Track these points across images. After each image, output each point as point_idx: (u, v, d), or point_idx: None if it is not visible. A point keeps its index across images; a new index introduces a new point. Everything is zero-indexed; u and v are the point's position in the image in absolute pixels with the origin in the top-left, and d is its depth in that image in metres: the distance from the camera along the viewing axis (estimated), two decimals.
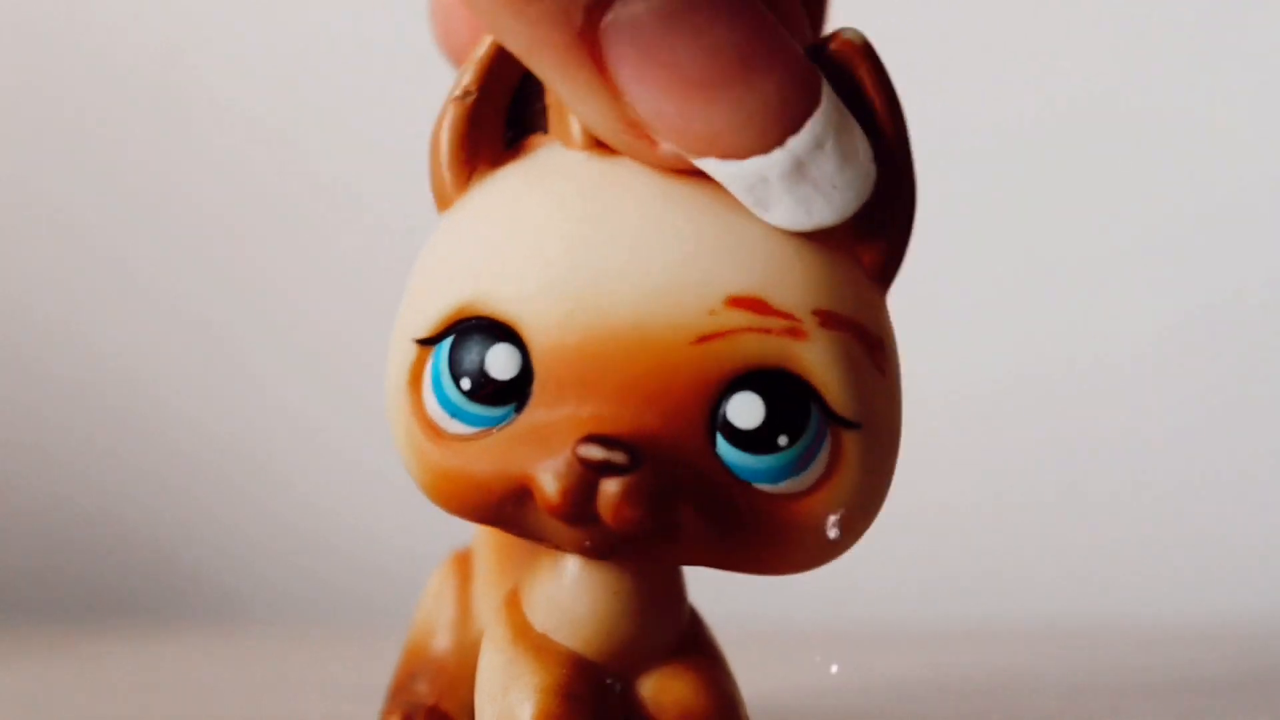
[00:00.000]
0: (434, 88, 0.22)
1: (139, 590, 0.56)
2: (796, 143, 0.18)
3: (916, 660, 0.41)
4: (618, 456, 0.17)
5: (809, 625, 0.48)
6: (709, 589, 0.25)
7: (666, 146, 0.18)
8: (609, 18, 0.18)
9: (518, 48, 0.18)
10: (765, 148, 0.18)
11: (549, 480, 0.18)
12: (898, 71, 0.20)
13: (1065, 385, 0.54)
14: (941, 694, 0.34)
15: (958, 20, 0.54)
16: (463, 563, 0.27)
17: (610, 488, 0.18)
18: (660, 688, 0.20)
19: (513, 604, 0.21)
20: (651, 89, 0.18)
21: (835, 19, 0.22)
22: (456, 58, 0.25)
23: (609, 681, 0.20)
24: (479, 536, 0.26)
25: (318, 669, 0.41)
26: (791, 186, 0.18)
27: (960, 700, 0.33)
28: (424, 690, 0.26)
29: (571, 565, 0.20)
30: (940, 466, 0.53)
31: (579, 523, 0.18)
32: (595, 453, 0.18)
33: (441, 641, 0.26)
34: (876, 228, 0.19)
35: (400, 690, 0.27)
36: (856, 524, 0.19)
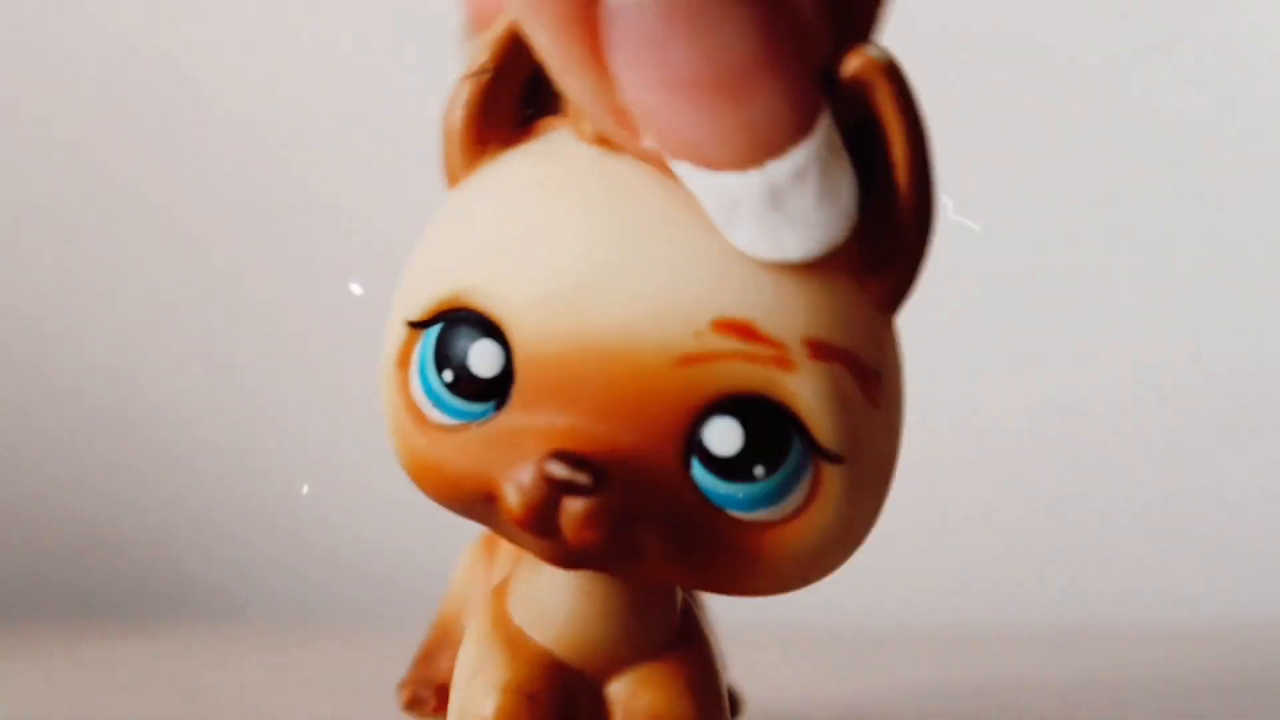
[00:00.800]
0: (429, 95, 0.21)
1: (138, 591, 0.56)
2: (776, 168, 0.17)
3: (917, 662, 0.41)
4: (581, 478, 0.17)
5: (809, 627, 0.48)
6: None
7: (649, 141, 0.18)
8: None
9: (517, 10, 0.18)
10: (742, 165, 0.17)
11: (512, 492, 0.17)
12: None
13: (1066, 387, 0.54)
14: (942, 695, 0.34)
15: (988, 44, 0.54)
16: (492, 543, 0.26)
17: (573, 507, 0.17)
18: (632, 693, 0.20)
19: (499, 594, 0.20)
20: (641, 81, 0.17)
21: None
22: (481, 26, 0.24)
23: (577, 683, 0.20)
24: None
25: (318, 669, 0.41)
26: (763, 213, 0.17)
27: (960, 701, 0.33)
28: (445, 666, 0.26)
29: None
30: (941, 469, 0.53)
31: (541, 535, 0.17)
32: (560, 471, 0.17)
33: (467, 621, 0.26)
34: (885, 257, 0.18)
35: (423, 661, 0.27)
36: (831, 557, 0.19)
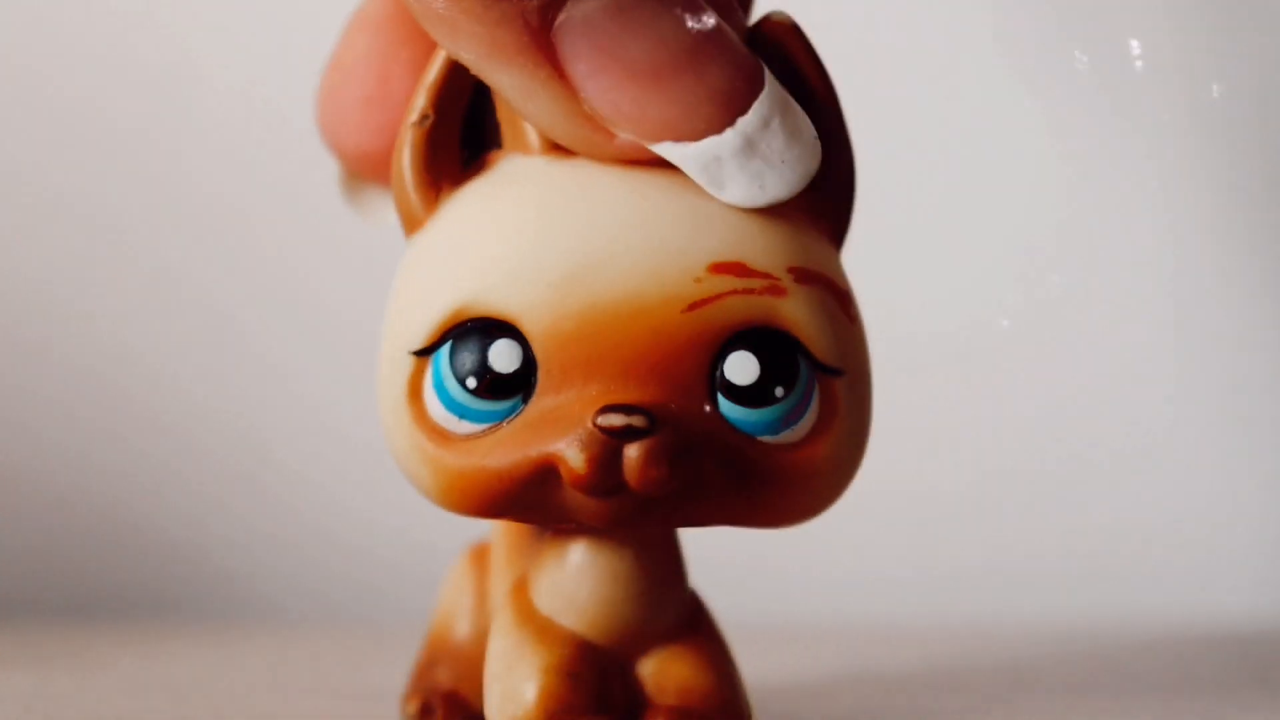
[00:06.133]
0: None
1: (142, 589, 0.56)
2: (746, 122, 0.20)
3: (916, 657, 0.41)
4: (638, 420, 0.19)
5: (809, 622, 0.48)
6: (710, 587, 0.25)
7: (623, 136, 0.20)
8: (562, 17, 0.19)
9: (474, 53, 0.20)
10: (717, 128, 0.20)
11: (573, 454, 0.19)
12: (906, 53, 0.21)
13: (1067, 385, 0.54)
14: (941, 691, 0.34)
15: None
16: (480, 555, 0.28)
17: (633, 452, 0.19)
18: (660, 668, 0.22)
19: (520, 590, 0.22)
20: (606, 82, 0.20)
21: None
22: (337, 147, 0.27)
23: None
24: (495, 529, 0.27)
25: (319, 669, 0.41)
26: (744, 164, 0.20)
27: (960, 698, 0.33)
28: (443, 676, 0.27)
29: (575, 551, 0.21)
30: (942, 463, 0.53)
31: (605, 494, 0.19)
32: (616, 420, 0.19)
33: (461, 629, 0.28)
34: (824, 196, 0.21)
35: (420, 676, 0.28)
36: (850, 466, 0.21)
